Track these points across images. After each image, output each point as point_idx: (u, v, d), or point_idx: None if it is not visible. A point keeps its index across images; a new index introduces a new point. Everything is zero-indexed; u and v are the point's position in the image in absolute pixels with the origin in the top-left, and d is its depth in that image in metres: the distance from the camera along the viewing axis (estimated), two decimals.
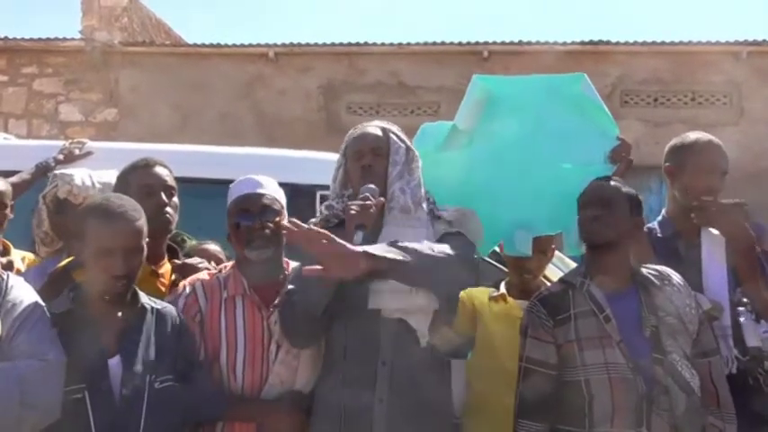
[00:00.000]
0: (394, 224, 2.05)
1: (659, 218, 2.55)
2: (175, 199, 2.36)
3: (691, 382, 1.95)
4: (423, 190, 2.14)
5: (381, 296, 1.99)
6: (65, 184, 2.63)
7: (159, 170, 2.35)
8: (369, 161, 2.11)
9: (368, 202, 1.98)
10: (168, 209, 2.28)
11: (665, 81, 9.75)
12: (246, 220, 2.14)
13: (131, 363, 1.85)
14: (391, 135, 2.17)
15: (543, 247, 2.48)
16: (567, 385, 2.00)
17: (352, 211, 1.96)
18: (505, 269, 2.66)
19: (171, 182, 2.35)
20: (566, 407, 2.00)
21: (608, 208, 2.07)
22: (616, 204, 2.08)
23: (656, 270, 2.12)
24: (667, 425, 1.92)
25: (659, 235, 2.46)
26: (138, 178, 2.31)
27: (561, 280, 2.18)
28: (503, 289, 2.54)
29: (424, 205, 2.13)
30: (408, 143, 2.20)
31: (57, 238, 2.69)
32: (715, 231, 2.35)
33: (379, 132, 2.17)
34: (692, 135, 2.49)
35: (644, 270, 2.12)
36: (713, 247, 2.35)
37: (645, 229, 2.38)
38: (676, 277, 2.11)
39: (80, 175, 2.67)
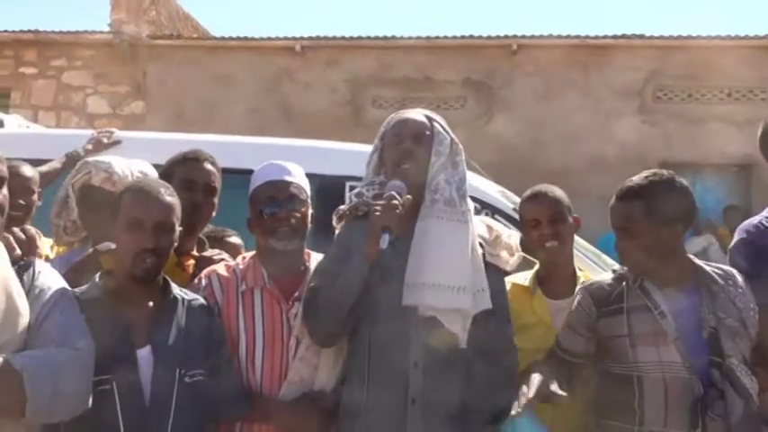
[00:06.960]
0: (436, 216, 1.96)
1: None
2: (215, 200, 2.35)
3: (750, 388, 1.87)
4: (467, 186, 2.05)
5: (420, 292, 1.89)
6: (100, 171, 2.56)
7: (206, 167, 2.35)
8: (409, 146, 2.00)
9: (393, 202, 1.87)
10: (203, 209, 2.29)
11: (698, 77, 9.51)
12: (272, 207, 2.08)
13: (161, 354, 1.81)
14: (436, 124, 2.07)
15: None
16: (617, 379, 1.95)
17: (377, 213, 1.85)
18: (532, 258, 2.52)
19: (214, 182, 2.35)
20: (613, 401, 1.94)
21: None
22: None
23: (721, 269, 2.04)
24: (722, 431, 1.84)
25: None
26: (182, 171, 2.33)
27: (614, 273, 2.13)
28: (527, 281, 2.41)
29: (469, 200, 2.04)
30: (453, 136, 2.09)
31: (82, 226, 2.67)
32: None
33: (424, 119, 2.07)
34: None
35: (707, 268, 2.04)
36: None
37: (753, 225, 2.21)
38: (740, 278, 2.03)
39: (119, 164, 2.62)
